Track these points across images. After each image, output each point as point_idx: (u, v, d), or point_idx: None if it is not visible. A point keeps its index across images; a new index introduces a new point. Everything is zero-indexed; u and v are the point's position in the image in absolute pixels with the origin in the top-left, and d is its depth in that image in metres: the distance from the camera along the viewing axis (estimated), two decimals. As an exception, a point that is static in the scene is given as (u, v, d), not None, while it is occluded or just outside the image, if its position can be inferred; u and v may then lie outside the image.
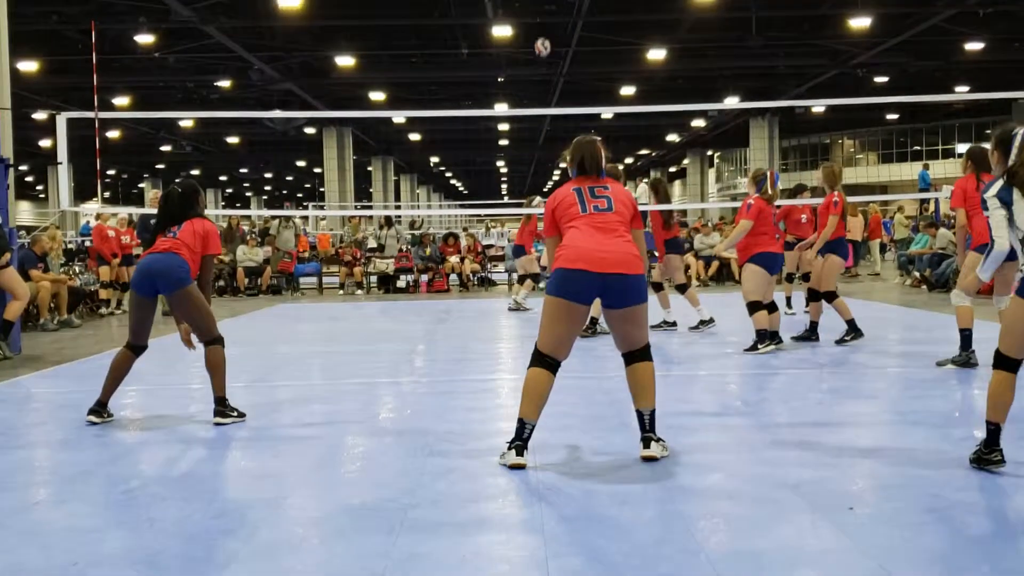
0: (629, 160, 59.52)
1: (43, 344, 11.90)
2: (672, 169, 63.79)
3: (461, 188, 77.53)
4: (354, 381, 8.77)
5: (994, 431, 4.90)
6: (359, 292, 21.18)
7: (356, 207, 39.33)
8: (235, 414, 6.85)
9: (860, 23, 24.02)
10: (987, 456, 4.93)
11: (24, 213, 56.72)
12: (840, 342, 10.09)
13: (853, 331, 10.12)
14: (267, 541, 4.16)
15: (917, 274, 18.73)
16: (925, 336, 11.45)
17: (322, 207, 39.27)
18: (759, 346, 9.58)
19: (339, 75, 29.38)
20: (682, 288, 12.00)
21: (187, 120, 37.33)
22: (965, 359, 8.47)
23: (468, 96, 33.94)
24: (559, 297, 5.19)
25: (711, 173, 60.51)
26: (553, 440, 5.95)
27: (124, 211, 16.30)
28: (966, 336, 8.51)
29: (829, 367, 9.15)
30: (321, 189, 45.34)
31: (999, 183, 4.92)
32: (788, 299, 13.70)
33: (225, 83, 30.25)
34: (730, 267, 21.23)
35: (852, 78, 31.42)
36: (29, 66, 25.25)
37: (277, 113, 28.92)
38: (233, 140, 45.17)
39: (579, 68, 28.74)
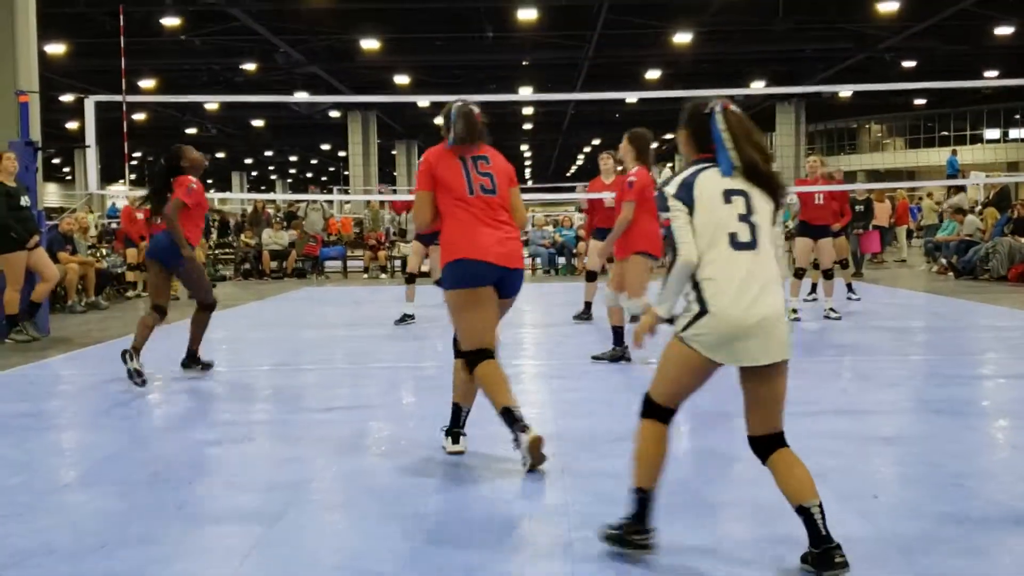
0: (654, 144, 59.22)
1: (71, 326, 12.00)
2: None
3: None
4: (378, 365, 8.80)
5: (643, 500, 3.64)
6: (383, 276, 21.23)
7: (380, 191, 39.34)
8: (198, 367, 8.06)
9: (888, 7, 23.81)
10: (632, 536, 3.65)
11: (52, 195, 57.11)
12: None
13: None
14: (293, 525, 4.19)
15: (944, 261, 18.59)
16: (950, 324, 11.38)
17: (346, 191, 39.31)
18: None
19: (364, 58, 29.36)
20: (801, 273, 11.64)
21: (212, 103, 37.41)
22: (620, 354, 8.32)
23: (493, 80, 33.84)
24: (466, 287, 5.02)
25: (736, 158, 60.20)
26: (574, 423, 5.97)
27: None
28: (618, 333, 8.37)
29: (852, 354, 9.12)
30: (346, 173, 45.35)
31: (682, 177, 3.64)
32: (849, 285, 13.57)
33: (251, 66, 30.30)
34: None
35: (880, 63, 31.15)
36: (56, 49, 25.38)
37: (302, 97, 28.95)
38: (258, 123, 45.25)
39: (605, 52, 28.60)
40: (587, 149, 60.93)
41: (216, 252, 22.44)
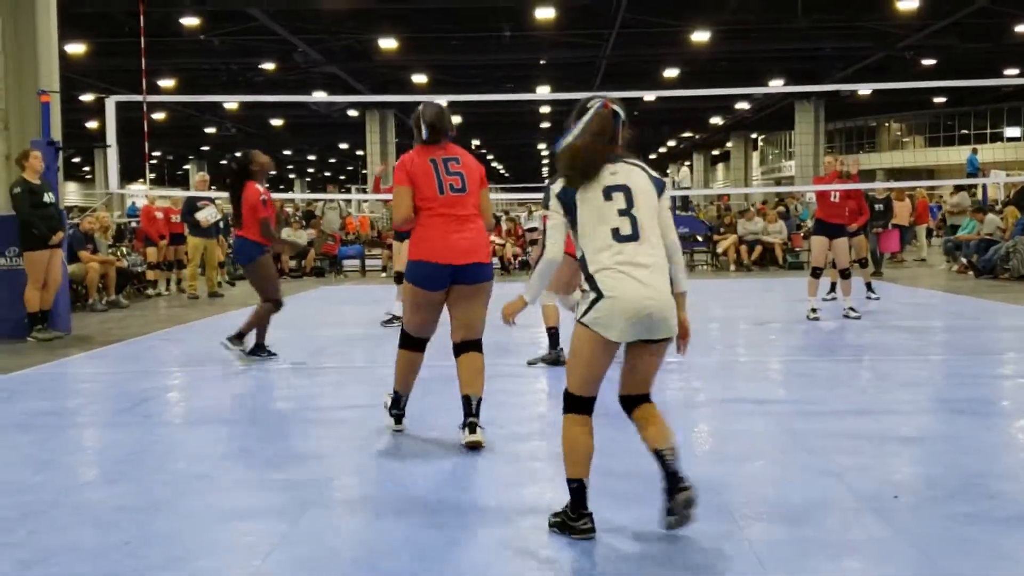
0: (672, 143, 59.16)
1: (92, 324, 12.07)
2: (715, 152, 63.30)
3: (502, 171, 77.50)
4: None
5: (578, 489, 3.95)
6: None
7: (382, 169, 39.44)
8: (238, 348, 8.53)
9: (908, 5, 23.67)
10: (573, 523, 3.96)
11: (72, 194, 57.49)
12: None
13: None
14: (314, 522, 4.22)
15: (964, 260, 18.49)
16: (970, 323, 11.33)
17: (364, 190, 39.37)
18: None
19: (382, 58, 29.42)
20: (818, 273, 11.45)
21: (232, 103, 37.56)
22: (555, 357, 8.24)
23: (510, 79, 33.83)
24: (420, 288, 5.51)
25: (755, 156, 60.04)
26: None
27: (173, 193, 16.49)
28: (553, 334, 8.33)
29: (871, 354, 9.10)
30: (364, 172, 45.43)
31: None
32: (868, 284, 13.47)
33: (269, 66, 30.39)
34: (774, 252, 21.13)
35: (899, 61, 30.99)
36: (76, 48, 25.53)
37: (320, 97, 29.02)
38: (277, 122, 45.39)
39: (622, 50, 28.56)
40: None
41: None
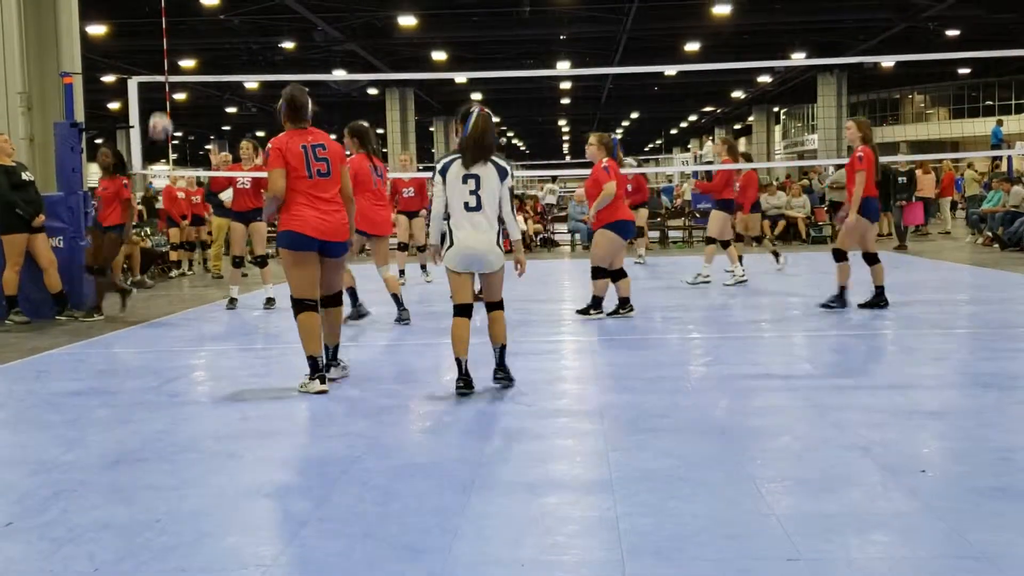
0: (693, 117, 58.83)
1: (118, 304, 12.14)
2: (737, 126, 62.90)
3: (522, 148, 77.29)
4: (419, 342, 8.85)
5: (460, 363, 6.18)
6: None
7: (418, 168, 39.38)
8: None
9: (931, -25, 23.47)
10: (459, 386, 6.15)
11: (95, 175, 57.70)
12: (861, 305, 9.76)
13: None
14: (345, 500, 4.24)
15: (989, 232, 18.34)
16: (996, 296, 11.26)
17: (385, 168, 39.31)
18: (591, 311, 9.68)
19: (401, 35, 29.37)
20: (725, 244, 12.45)
21: (252, 82, 37.61)
22: (357, 313, 9.77)
23: (530, 54, 33.72)
24: (294, 250, 6.46)
25: (777, 130, 59.62)
26: (619, 402, 5.99)
27: (193, 173, 16.53)
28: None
29: (896, 328, 9.05)
30: (384, 150, 45.44)
31: (443, 162, 6.18)
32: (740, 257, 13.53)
33: (289, 44, 30.41)
34: (797, 226, 21.02)
35: (923, 31, 30.69)
36: (97, 29, 25.60)
37: (340, 75, 29.04)
38: (297, 101, 45.37)
39: (643, 24, 28.39)
40: (625, 123, 60.60)
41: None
